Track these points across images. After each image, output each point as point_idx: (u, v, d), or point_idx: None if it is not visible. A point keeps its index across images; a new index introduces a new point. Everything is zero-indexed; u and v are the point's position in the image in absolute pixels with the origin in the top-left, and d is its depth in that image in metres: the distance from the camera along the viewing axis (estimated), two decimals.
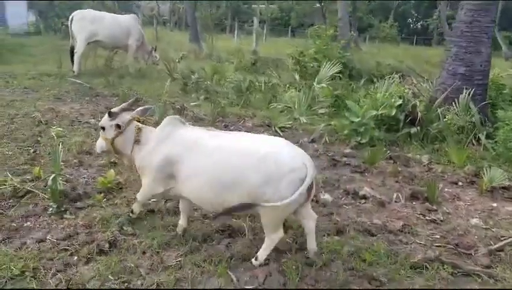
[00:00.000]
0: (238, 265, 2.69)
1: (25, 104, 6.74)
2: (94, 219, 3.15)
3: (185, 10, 44.37)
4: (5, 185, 3.51)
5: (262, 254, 2.71)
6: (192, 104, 7.84)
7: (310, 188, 2.57)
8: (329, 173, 4.58)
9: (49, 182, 3.30)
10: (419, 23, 49.25)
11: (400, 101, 5.50)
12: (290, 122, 6.33)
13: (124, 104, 3.11)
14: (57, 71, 9.63)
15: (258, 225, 3.21)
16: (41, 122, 5.75)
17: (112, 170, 3.86)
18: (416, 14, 48.59)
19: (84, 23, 9.25)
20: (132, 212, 3.16)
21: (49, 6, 20.08)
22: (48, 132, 5.36)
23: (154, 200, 3.60)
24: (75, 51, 9.33)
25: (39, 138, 5.05)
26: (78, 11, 9.58)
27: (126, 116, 3.00)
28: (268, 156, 2.51)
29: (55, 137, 5.07)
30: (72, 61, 9.50)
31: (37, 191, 3.53)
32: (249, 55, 14.85)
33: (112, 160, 4.35)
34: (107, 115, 3.00)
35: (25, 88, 8.08)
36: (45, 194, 3.50)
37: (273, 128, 6.25)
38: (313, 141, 5.71)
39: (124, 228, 3.04)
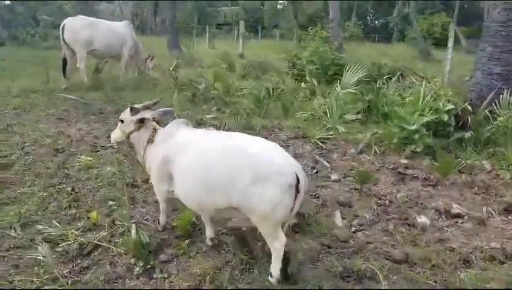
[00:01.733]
0: None
1: (26, 128, 5.90)
2: (197, 277, 2.60)
3: (148, 14, 42.91)
4: (69, 240, 2.87)
5: (276, 267, 2.58)
6: (207, 116, 7.28)
7: (295, 198, 2.42)
8: (402, 189, 4.25)
9: (133, 235, 2.70)
10: (377, 21, 50.72)
11: (451, 106, 5.29)
12: (331, 133, 5.94)
13: (146, 102, 3.16)
14: (42, 87, 8.72)
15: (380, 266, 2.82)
16: (57, 150, 5.01)
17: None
18: (372, 12, 50.00)
19: (79, 31, 8.42)
20: (158, 222, 3.20)
21: (12, 14, 18.49)
22: (72, 161, 4.66)
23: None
24: (77, 65, 8.50)
25: (67, 171, 4.34)
26: (70, 18, 8.70)
27: (147, 114, 3.06)
28: (257, 156, 2.44)
29: (85, 167, 4.42)
30: (65, 74, 8.63)
31: (106, 245, 2.92)
32: (236, 59, 14.40)
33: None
34: (128, 109, 3.07)
35: (14, 108, 7.17)
36: (117, 247, 2.90)
37: (311, 141, 5.85)
38: (361, 152, 5.37)
39: (240, 286, 2.52)
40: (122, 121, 3.12)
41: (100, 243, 2.91)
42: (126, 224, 3.15)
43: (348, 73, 7.28)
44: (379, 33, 41.65)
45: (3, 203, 3.47)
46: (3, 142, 4.98)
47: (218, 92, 8.75)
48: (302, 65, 11.78)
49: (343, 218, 3.50)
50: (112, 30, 9.14)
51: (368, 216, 3.59)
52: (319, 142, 5.75)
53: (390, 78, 8.85)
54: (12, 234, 2.98)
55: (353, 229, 3.37)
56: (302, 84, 9.67)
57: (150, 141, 2.94)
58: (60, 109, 7.23)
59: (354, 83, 7.07)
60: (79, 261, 2.75)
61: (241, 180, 2.37)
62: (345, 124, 6.50)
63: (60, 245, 2.85)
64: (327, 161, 4.98)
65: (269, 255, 2.86)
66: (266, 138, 5.87)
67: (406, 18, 38.74)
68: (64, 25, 8.50)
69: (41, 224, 3.15)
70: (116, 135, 3.24)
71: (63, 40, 8.53)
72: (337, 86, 7.33)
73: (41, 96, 8.18)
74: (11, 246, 2.84)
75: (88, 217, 3.31)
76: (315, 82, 8.29)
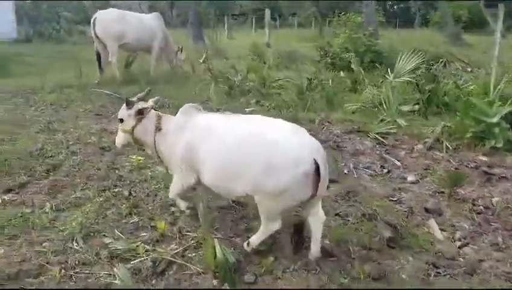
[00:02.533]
0: None
1: (67, 125, 5.63)
2: None
3: (165, 8, 42.65)
4: (140, 256, 2.51)
5: (255, 239, 2.62)
6: (247, 110, 6.86)
7: (316, 183, 2.33)
8: (494, 192, 3.73)
9: (218, 253, 2.31)
10: (396, 7, 48.56)
11: None
12: (394, 126, 5.42)
13: (139, 94, 3.06)
14: (75, 82, 8.47)
15: None
16: (104, 148, 4.70)
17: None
18: None
19: (110, 25, 8.10)
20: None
21: (36, 9, 18.45)
22: (121, 161, 4.33)
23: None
24: (109, 59, 8.21)
25: (118, 172, 4.01)
26: (101, 11, 8.39)
27: (144, 104, 2.97)
28: (276, 145, 2.37)
29: (136, 167, 4.08)
30: (101, 68, 8.37)
31: (181, 261, 2.55)
32: (265, 49, 13.90)
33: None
34: (124, 105, 2.97)
35: (51, 104, 6.93)
36: (193, 263, 2.53)
37: (369, 135, 5.36)
38: (431, 148, 4.86)
39: None
40: (121, 120, 3.01)
41: (174, 259, 2.55)
42: (198, 235, 2.78)
43: (401, 61, 6.67)
44: (400, 18, 39.89)
45: (59, 209, 3.15)
46: (48, 141, 4.69)
47: (254, 83, 8.31)
48: (336, 53, 11.23)
49: (440, 229, 3.04)
50: (142, 23, 8.82)
51: (467, 226, 3.12)
52: (379, 137, 5.26)
53: (432, 65, 8.25)
54: (75, 247, 2.65)
55: (457, 243, 2.89)
56: (341, 73, 9.16)
57: (158, 128, 2.89)
58: (96, 105, 6.95)
59: (408, 71, 6.47)
60: (154, 281, 2.39)
61: (258, 169, 2.35)
62: (403, 116, 5.97)
63: (132, 262, 2.49)
64: (397, 160, 4.50)
65: (370, 276, 2.46)
66: (316, 134, 5.46)
67: (428, 2, 37.03)
68: (95, 18, 8.20)
69: (105, 235, 2.81)
70: (120, 138, 3.10)
71: (95, 34, 8.22)
72: (387, 75, 6.76)
73: (75, 91, 7.93)
74: (76, 263, 2.50)
75: (153, 226, 2.96)
76: (362, 71, 7.72)
